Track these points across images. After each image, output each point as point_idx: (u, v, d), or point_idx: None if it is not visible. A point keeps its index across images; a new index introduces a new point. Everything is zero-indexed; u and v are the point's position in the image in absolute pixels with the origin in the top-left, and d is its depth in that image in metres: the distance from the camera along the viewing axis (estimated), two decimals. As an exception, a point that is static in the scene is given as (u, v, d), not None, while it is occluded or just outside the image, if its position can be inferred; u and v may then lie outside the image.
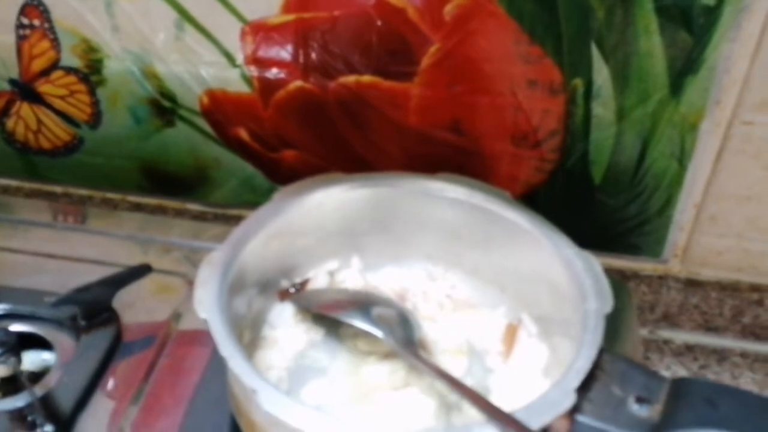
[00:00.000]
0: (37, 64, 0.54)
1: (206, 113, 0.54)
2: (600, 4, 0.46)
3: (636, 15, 0.46)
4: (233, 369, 0.35)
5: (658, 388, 0.36)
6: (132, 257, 0.52)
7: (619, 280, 0.43)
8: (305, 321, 0.44)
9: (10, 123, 0.58)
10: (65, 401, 0.42)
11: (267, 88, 0.52)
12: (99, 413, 0.42)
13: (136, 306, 0.48)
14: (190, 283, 0.50)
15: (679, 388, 0.36)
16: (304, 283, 0.46)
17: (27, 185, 0.59)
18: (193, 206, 0.59)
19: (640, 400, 0.35)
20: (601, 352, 0.36)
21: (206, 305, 0.38)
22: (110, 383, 0.44)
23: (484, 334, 0.44)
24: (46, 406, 0.41)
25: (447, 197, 0.45)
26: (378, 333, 0.40)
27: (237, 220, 0.58)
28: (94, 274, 0.49)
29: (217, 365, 0.44)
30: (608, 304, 0.38)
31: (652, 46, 0.47)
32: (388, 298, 0.44)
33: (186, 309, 0.48)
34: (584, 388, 0.35)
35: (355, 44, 0.50)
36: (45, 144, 0.58)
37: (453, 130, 0.52)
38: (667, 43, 0.47)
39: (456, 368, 0.42)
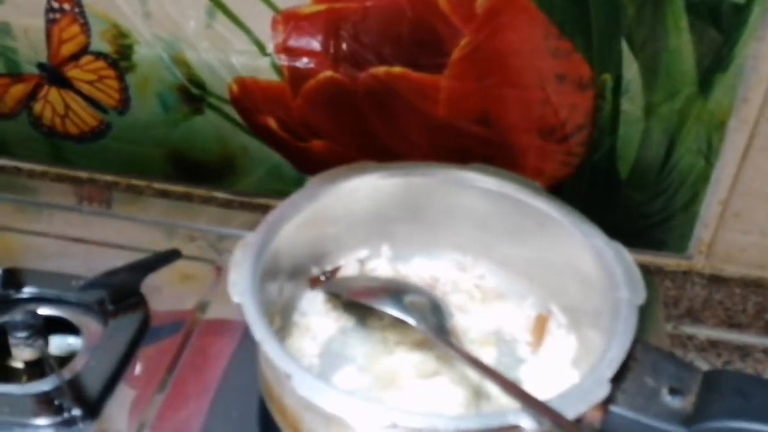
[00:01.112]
0: (67, 49, 0.54)
1: (235, 101, 0.54)
2: (631, 1, 0.47)
3: (666, 12, 0.47)
4: (267, 353, 0.35)
5: (690, 379, 0.36)
6: (157, 243, 0.52)
7: (645, 275, 0.43)
8: (335, 309, 0.44)
9: (37, 107, 0.58)
10: (92, 386, 0.42)
11: (297, 77, 0.53)
12: (125, 398, 0.42)
13: (163, 292, 0.48)
14: (218, 270, 0.51)
15: (711, 379, 0.36)
16: (334, 271, 0.46)
17: (53, 170, 0.59)
18: (220, 194, 0.59)
19: (673, 391, 0.35)
20: (634, 343, 0.36)
21: (240, 288, 0.38)
22: (137, 368, 0.44)
23: (513, 324, 0.44)
24: (74, 390, 0.41)
25: (478, 187, 0.45)
26: (411, 320, 0.40)
27: (263, 208, 0.58)
28: (120, 259, 0.49)
29: (244, 353, 0.45)
30: (641, 295, 0.38)
31: (682, 43, 0.47)
32: (419, 285, 0.44)
33: (213, 296, 0.48)
34: (618, 378, 0.35)
35: (386, 35, 0.50)
36: (72, 129, 0.58)
37: (481, 123, 0.53)
38: (697, 41, 0.47)
39: (485, 358, 0.41)
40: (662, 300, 0.51)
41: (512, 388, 0.36)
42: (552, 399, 0.34)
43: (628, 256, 0.40)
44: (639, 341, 0.36)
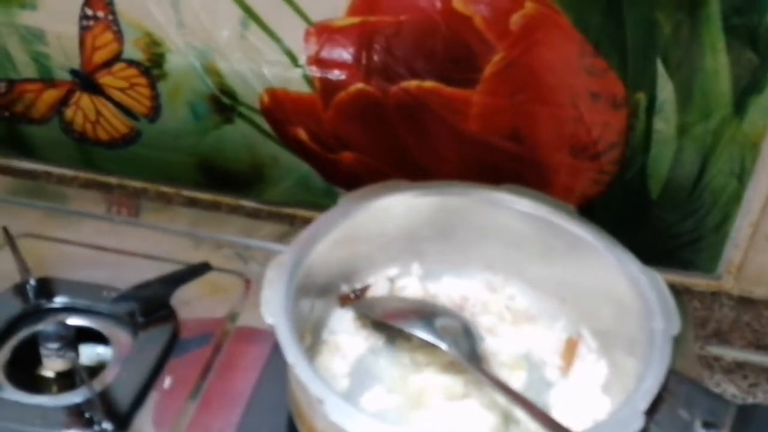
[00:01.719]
0: (99, 56, 0.54)
1: (266, 112, 0.54)
2: (667, 20, 0.46)
3: (703, 32, 0.46)
4: (299, 377, 0.35)
5: (724, 413, 0.36)
6: (184, 253, 0.52)
7: (675, 296, 0.43)
8: (365, 327, 0.44)
9: (69, 113, 0.58)
10: (123, 398, 0.42)
11: (328, 89, 0.52)
12: (156, 411, 0.42)
13: (192, 303, 0.48)
14: (247, 281, 0.51)
15: (746, 413, 0.36)
16: (364, 289, 0.46)
17: (83, 175, 0.60)
18: (248, 203, 0.59)
19: (707, 425, 0.35)
20: (668, 374, 0.36)
21: (273, 308, 0.38)
22: (167, 381, 0.44)
23: (543, 347, 0.44)
24: (104, 402, 0.41)
25: (512, 208, 0.45)
26: (443, 345, 0.40)
27: (291, 218, 0.59)
28: (147, 269, 0.49)
29: (275, 365, 0.45)
30: (675, 325, 0.38)
31: (718, 64, 0.47)
32: (450, 308, 0.44)
33: (242, 307, 0.49)
34: (651, 410, 0.35)
35: (419, 49, 0.50)
36: (103, 135, 0.58)
37: (512, 139, 0.52)
38: (733, 62, 0.47)
39: (514, 382, 0.42)
40: (692, 321, 0.51)
41: (543, 417, 0.36)
42: (586, 431, 0.34)
43: (663, 284, 0.40)
44: (673, 372, 0.36)
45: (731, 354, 0.51)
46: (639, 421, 0.34)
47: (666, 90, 0.49)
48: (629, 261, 0.42)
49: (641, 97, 0.49)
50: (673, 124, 0.50)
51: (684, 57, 0.47)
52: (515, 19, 0.48)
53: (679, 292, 0.54)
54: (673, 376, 0.37)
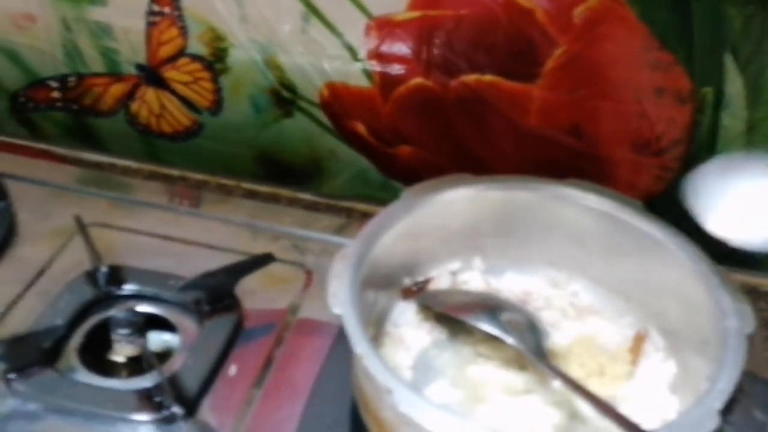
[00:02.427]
0: (165, 51, 0.56)
1: (325, 105, 0.55)
2: (738, 14, 0.45)
3: (775, 25, 0.45)
4: (368, 367, 0.35)
5: (801, 414, 0.35)
6: (244, 244, 0.53)
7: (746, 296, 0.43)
8: (428, 320, 0.44)
9: (134, 106, 0.59)
10: (190, 384, 0.43)
11: (387, 83, 0.53)
12: (222, 398, 0.43)
13: (254, 293, 0.49)
14: (307, 272, 0.52)
15: (822, 415, 0.35)
16: (426, 282, 0.46)
17: (146, 167, 0.61)
18: (306, 196, 0.59)
19: (783, 426, 0.35)
20: (742, 374, 0.36)
21: (341, 300, 0.38)
22: (231, 369, 0.45)
23: (609, 344, 0.43)
24: (173, 387, 0.42)
25: (578, 204, 0.44)
26: (510, 340, 0.40)
27: (348, 211, 0.60)
28: (209, 258, 0.50)
29: (337, 357, 0.45)
30: (750, 324, 0.37)
31: (791, 57, 0.46)
32: (514, 302, 0.44)
33: (304, 298, 0.49)
34: (726, 410, 0.34)
35: (480, 43, 0.50)
36: (166, 128, 0.60)
37: (573, 134, 0.52)
38: (806, 56, 0.45)
39: (580, 379, 0.41)
40: (759, 322, 0.50)
41: (614, 414, 0.35)
42: (659, 429, 0.33)
43: (735, 283, 0.39)
44: (747, 373, 0.36)
45: (799, 357, 0.50)
46: (714, 421, 0.33)
47: (735, 85, 0.47)
48: (700, 259, 0.41)
49: (708, 92, 0.48)
50: (741, 120, 0.48)
51: (755, 51, 0.46)
52: (578, 12, 0.47)
53: (744, 292, 0.53)
54: (747, 376, 0.36)
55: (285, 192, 0.59)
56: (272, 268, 0.50)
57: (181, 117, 0.59)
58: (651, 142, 0.51)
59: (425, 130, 0.54)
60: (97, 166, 0.61)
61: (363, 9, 0.50)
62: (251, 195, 0.59)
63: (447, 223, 0.45)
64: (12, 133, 0.62)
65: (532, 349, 0.39)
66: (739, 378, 0.35)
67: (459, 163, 0.54)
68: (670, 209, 0.53)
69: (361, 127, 0.55)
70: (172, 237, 0.54)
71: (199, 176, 0.60)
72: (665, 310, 0.42)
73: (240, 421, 0.42)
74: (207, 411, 0.43)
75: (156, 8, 0.54)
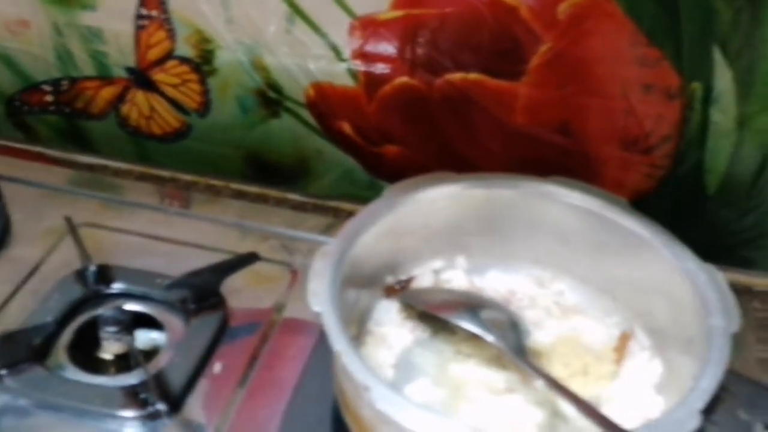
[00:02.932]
0: (153, 53, 0.56)
1: (311, 105, 0.55)
2: (726, 7, 0.44)
3: (765, 18, 0.44)
4: (347, 365, 0.35)
5: (786, 415, 0.34)
6: (232, 244, 0.53)
7: (736, 295, 0.42)
8: (410, 319, 0.44)
9: (124, 109, 0.60)
10: (175, 381, 0.43)
11: (372, 82, 0.53)
12: (206, 395, 0.43)
13: (240, 292, 0.49)
14: (293, 272, 0.52)
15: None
16: (408, 281, 0.46)
17: (137, 168, 0.62)
18: (293, 196, 0.59)
19: None
20: (727, 373, 0.35)
21: (320, 298, 0.38)
22: (217, 367, 0.45)
23: (594, 343, 0.43)
24: (158, 384, 0.43)
25: (561, 201, 0.44)
26: (490, 338, 0.39)
27: (335, 211, 0.59)
28: (197, 258, 0.50)
29: (321, 355, 0.45)
30: (735, 322, 0.36)
31: (781, 51, 0.45)
32: (496, 301, 0.44)
33: (289, 298, 0.49)
34: (709, 410, 0.33)
35: (464, 41, 0.49)
36: (156, 130, 0.61)
37: (560, 132, 0.51)
38: (798, 49, 0.44)
39: (563, 378, 0.40)
40: (752, 322, 0.49)
41: (594, 414, 0.35)
42: (639, 429, 0.33)
43: (722, 281, 0.38)
44: (732, 372, 0.35)
45: (794, 358, 0.48)
46: (695, 421, 0.33)
47: (724, 80, 0.46)
48: (686, 257, 0.40)
49: (697, 87, 0.47)
50: (731, 116, 0.47)
51: (744, 44, 0.45)
52: (563, 9, 0.47)
53: (738, 291, 0.51)
54: (732, 376, 0.35)
55: (273, 192, 0.59)
56: (258, 267, 0.51)
57: (170, 119, 0.59)
58: (639, 139, 0.50)
59: (411, 130, 0.54)
60: (90, 167, 0.62)
61: (347, 9, 0.50)
62: (240, 195, 0.60)
63: (429, 222, 0.45)
64: (7, 137, 0.63)
65: (512, 348, 0.39)
66: (722, 377, 0.34)
67: (445, 162, 0.54)
68: (660, 208, 0.52)
69: (347, 127, 0.55)
70: (162, 237, 0.54)
71: (189, 177, 0.61)
72: (651, 308, 0.42)
73: (224, 418, 0.42)
74: (192, 408, 0.43)
75: (144, 12, 0.54)
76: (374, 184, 0.57)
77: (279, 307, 0.49)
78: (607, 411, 0.38)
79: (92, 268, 0.49)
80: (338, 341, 0.36)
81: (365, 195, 0.56)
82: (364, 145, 0.56)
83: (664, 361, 0.41)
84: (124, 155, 0.62)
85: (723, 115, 0.47)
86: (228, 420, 0.42)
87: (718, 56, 0.46)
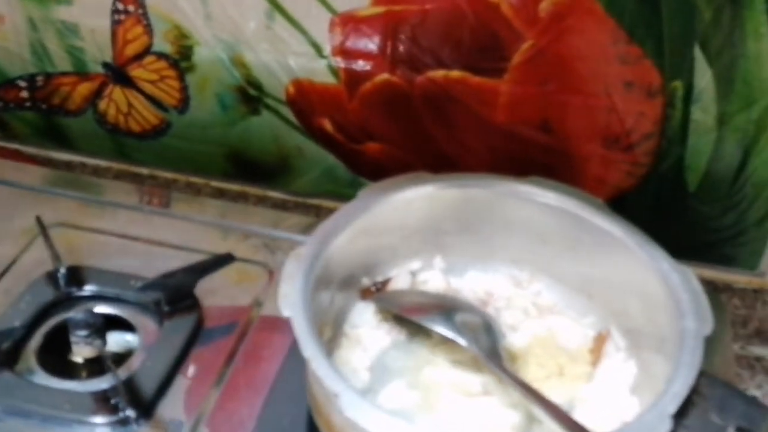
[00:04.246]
0: (131, 49, 0.55)
1: (291, 102, 0.54)
2: (707, 5, 0.44)
3: (745, 17, 0.44)
4: (315, 371, 0.35)
5: (760, 419, 0.34)
6: (213, 243, 0.53)
7: (712, 293, 0.41)
8: (387, 321, 0.44)
9: (102, 105, 0.59)
10: (147, 385, 0.43)
11: (353, 79, 0.52)
12: (179, 398, 0.43)
13: (217, 292, 0.49)
14: (271, 272, 0.51)
15: (783, 418, 0.34)
16: (385, 282, 0.46)
17: (116, 166, 0.61)
18: (275, 194, 0.59)
19: (741, 431, 0.34)
20: (700, 376, 0.35)
21: (290, 302, 0.38)
22: (190, 370, 0.44)
23: (570, 344, 0.43)
24: (129, 389, 0.42)
25: (537, 201, 0.44)
26: (462, 341, 0.39)
27: (317, 209, 0.59)
28: (176, 259, 0.50)
29: (297, 355, 0.44)
30: (708, 325, 0.36)
31: (761, 49, 0.45)
32: (471, 303, 0.44)
33: (266, 297, 0.49)
34: (681, 413, 0.33)
35: (445, 38, 0.49)
36: (134, 126, 0.60)
37: (542, 129, 0.51)
38: (778, 47, 0.44)
39: (539, 379, 0.41)
40: (730, 319, 0.49)
41: (563, 418, 0.35)
42: (608, 433, 0.33)
43: (696, 282, 0.38)
44: (705, 375, 0.35)
45: (774, 355, 0.49)
46: (666, 425, 0.33)
47: (705, 78, 0.46)
48: (661, 257, 0.40)
49: (678, 85, 0.47)
50: (712, 114, 0.47)
51: (725, 43, 0.45)
52: (544, 6, 0.46)
53: (719, 289, 0.52)
54: (705, 378, 0.35)
55: (254, 190, 0.59)
56: (236, 266, 0.50)
57: (149, 115, 0.58)
58: (621, 136, 0.50)
59: (392, 127, 0.53)
60: (68, 165, 0.61)
61: (327, 5, 0.50)
62: (220, 194, 0.59)
63: (405, 222, 0.44)
64: (-16, 134, 0.63)
65: (486, 351, 0.38)
66: (694, 380, 0.34)
67: (427, 160, 0.53)
68: (642, 206, 0.52)
69: (327, 124, 0.55)
70: (140, 237, 0.53)
71: (169, 175, 0.60)
72: (627, 308, 0.42)
73: (197, 422, 0.42)
74: (164, 412, 0.42)
75: (120, 6, 0.53)
76: (356, 181, 0.56)
77: (256, 307, 0.48)
78: (582, 412, 0.38)
79: (62, 269, 0.48)
80: (308, 347, 0.35)
81: (347, 192, 0.55)
82: (345, 142, 0.55)
83: (639, 362, 0.40)
84: (103, 152, 0.61)
85: (704, 113, 0.47)
86: (202, 421, 0.42)
87: (698, 54, 0.46)
